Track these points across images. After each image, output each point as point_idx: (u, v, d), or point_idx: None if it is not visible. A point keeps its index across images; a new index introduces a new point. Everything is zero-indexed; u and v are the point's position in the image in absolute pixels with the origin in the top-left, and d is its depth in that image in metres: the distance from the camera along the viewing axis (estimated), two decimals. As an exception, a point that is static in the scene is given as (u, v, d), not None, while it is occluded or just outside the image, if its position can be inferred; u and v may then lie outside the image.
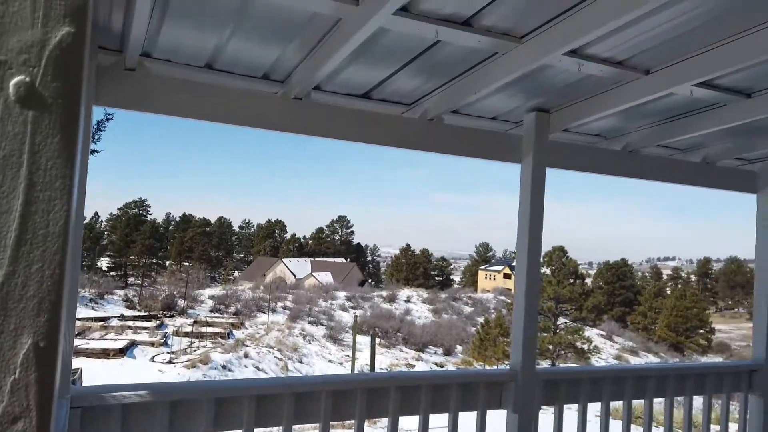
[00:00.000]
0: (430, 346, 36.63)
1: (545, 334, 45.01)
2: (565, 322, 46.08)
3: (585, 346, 43.03)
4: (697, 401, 3.63)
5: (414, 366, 31.59)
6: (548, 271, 47.26)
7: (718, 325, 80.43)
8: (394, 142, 2.94)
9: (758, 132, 3.37)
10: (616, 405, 3.68)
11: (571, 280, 47.90)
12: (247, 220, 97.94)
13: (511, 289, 68.18)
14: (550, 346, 43.10)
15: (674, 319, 62.08)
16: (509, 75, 2.41)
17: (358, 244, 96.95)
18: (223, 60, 2.53)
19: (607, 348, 51.41)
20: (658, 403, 3.50)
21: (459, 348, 38.50)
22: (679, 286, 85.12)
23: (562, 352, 42.12)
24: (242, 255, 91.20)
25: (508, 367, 3.08)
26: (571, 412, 3.35)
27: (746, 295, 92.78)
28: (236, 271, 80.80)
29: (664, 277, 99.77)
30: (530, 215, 3.04)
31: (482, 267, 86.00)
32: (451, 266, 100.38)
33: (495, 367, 32.43)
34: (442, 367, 33.25)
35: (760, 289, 3.83)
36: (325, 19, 2.11)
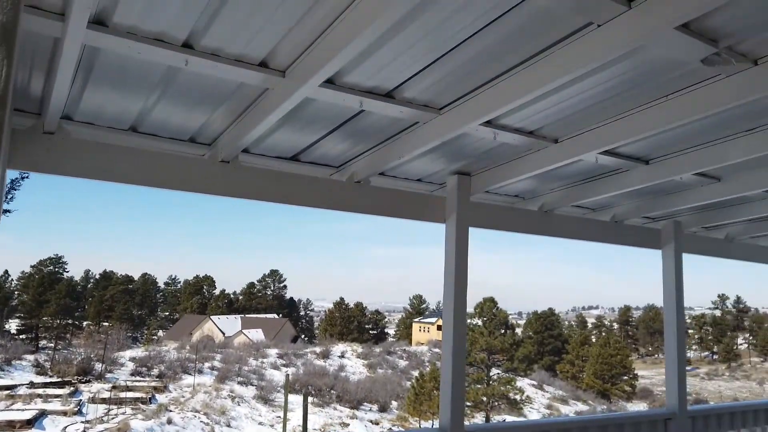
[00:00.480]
0: (365, 403, 35.82)
1: (479, 386, 45.17)
2: (498, 373, 46.48)
3: (517, 397, 43.44)
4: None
5: (348, 425, 30.70)
6: (480, 322, 47.94)
7: (640, 371, 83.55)
8: (323, 203, 2.99)
9: (658, 194, 3.68)
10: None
11: (503, 331, 48.70)
12: (173, 276, 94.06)
13: (444, 341, 68.12)
14: (484, 398, 43.22)
15: (600, 367, 63.90)
16: (430, 142, 2.54)
17: (291, 298, 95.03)
18: (148, 123, 2.53)
19: (538, 397, 52.08)
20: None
21: (394, 404, 37.86)
22: (603, 333, 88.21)
23: (496, 403, 42.28)
24: (167, 313, 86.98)
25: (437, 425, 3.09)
26: (500, 468, 3.38)
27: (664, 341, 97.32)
28: (161, 331, 76.74)
29: (589, 325, 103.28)
30: (455, 274, 3.14)
31: (416, 319, 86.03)
32: (386, 319, 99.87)
33: (429, 423, 32.06)
34: (377, 424, 32.51)
35: (669, 340, 4.08)
36: (252, 88, 2.18)
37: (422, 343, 72.27)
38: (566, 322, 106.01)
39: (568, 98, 2.35)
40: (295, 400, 28.03)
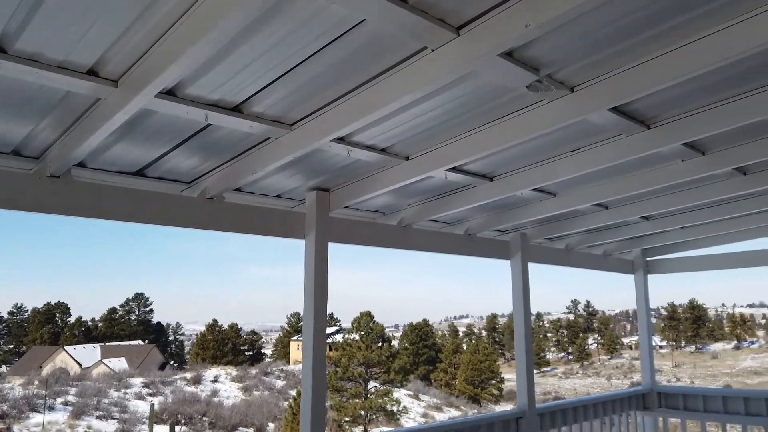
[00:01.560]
0: (241, 428, 34.42)
1: (357, 400, 45.42)
2: (375, 386, 47.12)
3: (394, 408, 44.27)
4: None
5: (222, 452, 29.24)
6: (357, 337, 48.33)
7: (506, 375, 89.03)
8: (171, 220, 2.84)
9: (505, 208, 3.96)
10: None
11: (380, 344, 49.48)
12: (18, 305, 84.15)
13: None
14: (362, 412, 43.52)
15: (471, 373, 67.09)
16: (283, 158, 2.52)
17: (159, 323, 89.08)
18: (-41, 134, 2.24)
19: (414, 407, 53.40)
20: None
21: (271, 426, 36.79)
22: (473, 341, 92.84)
23: (374, 416, 42.72)
24: (12, 346, 77.48)
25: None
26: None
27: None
28: (3, 366, 68.07)
29: (460, 334, 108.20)
30: (315, 290, 3.13)
31: (294, 337, 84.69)
32: (262, 339, 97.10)
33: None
34: (252, 449, 31.32)
35: (518, 344, 4.38)
36: (82, 98, 2.02)
37: (300, 362, 71.12)
38: (440, 332, 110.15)
39: (414, 118, 2.46)
40: (163, 431, 26.19)
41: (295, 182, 3.17)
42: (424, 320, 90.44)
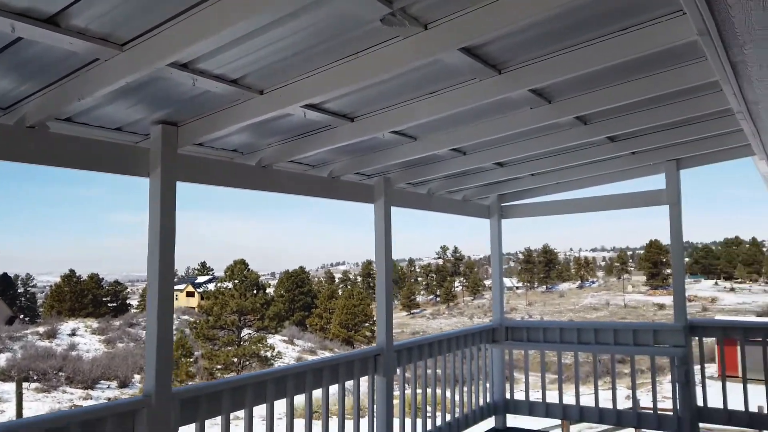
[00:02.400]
0: (102, 381, 32.71)
1: (230, 348, 45.01)
2: (249, 333, 46.93)
3: (268, 354, 44.54)
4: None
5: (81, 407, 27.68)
6: (231, 285, 47.41)
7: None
8: (-17, 151, 2.46)
9: (367, 151, 3.95)
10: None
11: (254, 292, 49.01)
12: None
13: (195, 308, 66.09)
14: (235, 359, 43.29)
15: (345, 317, 69.04)
16: (115, 82, 2.25)
17: (5, 274, 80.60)
18: None
19: (289, 352, 54.10)
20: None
21: (137, 377, 35.36)
22: (348, 287, 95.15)
23: (247, 362, 42.67)
24: None
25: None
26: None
27: (399, 289, 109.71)
28: None
29: (336, 280, 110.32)
30: (161, 232, 2.92)
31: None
32: (127, 290, 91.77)
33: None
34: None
35: (379, 286, 4.48)
36: None
37: (169, 311, 68.53)
38: (316, 279, 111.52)
39: (264, 46, 2.30)
40: (11, 388, 24.14)
41: (138, 114, 2.87)
42: (301, 267, 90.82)
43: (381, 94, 2.98)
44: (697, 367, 5.39)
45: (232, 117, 2.85)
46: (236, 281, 48.12)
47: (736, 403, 5.19)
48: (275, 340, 59.14)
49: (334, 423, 4.03)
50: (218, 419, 3.26)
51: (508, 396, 5.99)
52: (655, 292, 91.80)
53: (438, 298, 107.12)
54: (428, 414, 5.03)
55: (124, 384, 33.43)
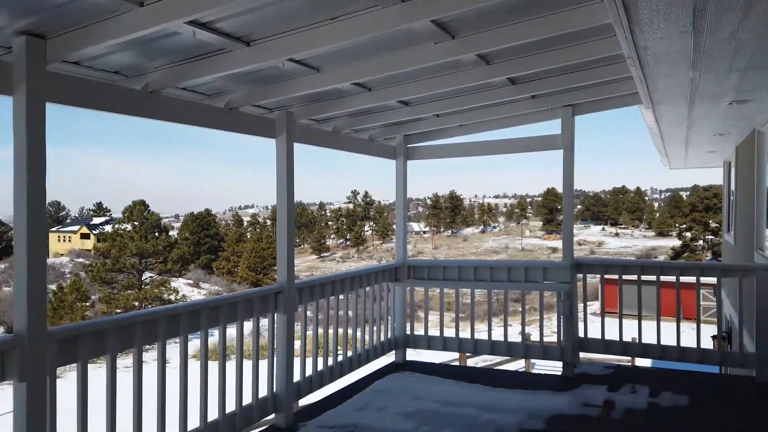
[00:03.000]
0: (-14, 328, 30.54)
1: (129, 291, 43.36)
2: (151, 277, 45.32)
3: (172, 297, 43.41)
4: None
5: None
6: (130, 227, 45.14)
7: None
8: None
9: (266, 81, 3.74)
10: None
11: (156, 234, 47.02)
12: None
13: (90, 250, 62.60)
14: (136, 303, 41.83)
15: (253, 260, 68.30)
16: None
17: None
18: None
19: (194, 295, 53.04)
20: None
21: (26, 323, 33.30)
22: (257, 230, 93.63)
23: (149, 305, 41.32)
24: None
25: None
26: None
27: (309, 233, 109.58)
28: None
29: (245, 223, 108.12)
30: (27, 157, 2.62)
31: (54, 228, 75.76)
32: (11, 231, 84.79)
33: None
34: (3, 349, 28.19)
35: (280, 225, 4.37)
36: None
37: (62, 254, 64.62)
38: (224, 222, 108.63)
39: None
40: None
41: (-3, 22, 2.51)
42: (206, 210, 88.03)
43: (279, 16, 2.80)
44: (580, 306, 5.83)
45: (109, 31, 2.56)
46: (136, 223, 45.87)
47: (612, 335, 5.70)
48: (179, 283, 57.73)
49: (231, 365, 3.97)
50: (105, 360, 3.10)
51: (408, 332, 6.19)
52: (549, 236, 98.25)
53: (348, 242, 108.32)
54: (330, 352, 5.10)
55: (11, 330, 31.35)
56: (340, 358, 5.20)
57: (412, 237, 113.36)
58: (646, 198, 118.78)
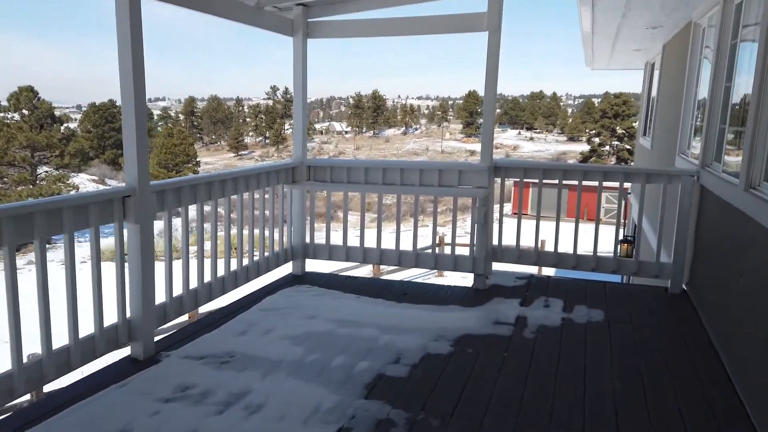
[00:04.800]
0: None
1: (22, 187, 39.79)
2: (47, 171, 41.65)
3: (72, 192, 40.43)
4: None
5: None
6: (17, 116, 40.56)
7: (204, 158, 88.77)
8: None
9: None
10: None
11: (51, 125, 42.71)
12: None
13: (-25, 142, 56.41)
14: (30, 198, 38.52)
15: (164, 156, 64.80)
16: None
17: None
18: None
19: (100, 193, 49.70)
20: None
21: None
22: (169, 125, 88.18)
23: (47, 204, 38.29)
24: None
25: None
26: None
27: (226, 130, 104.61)
28: None
29: (155, 117, 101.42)
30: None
31: (-72, 116, 67.41)
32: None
33: None
34: None
35: (127, 112, 3.34)
36: None
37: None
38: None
39: None
40: None
41: None
42: (111, 101, 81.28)
43: None
44: (497, 213, 5.30)
45: None
46: (25, 112, 41.29)
47: (527, 240, 5.27)
48: (83, 179, 54.22)
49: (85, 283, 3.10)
50: None
51: (308, 240, 5.48)
52: (468, 140, 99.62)
53: (267, 140, 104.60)
54: (208, 266, 4.30)
55: None
56: (221, 272, 4.42)
57: (334, 137, 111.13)
58: (561, 104, 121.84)
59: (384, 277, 14.60)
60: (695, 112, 5.99)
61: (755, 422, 2.90)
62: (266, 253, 4.97)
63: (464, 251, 5.17)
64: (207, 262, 4.21)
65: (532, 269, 5.53)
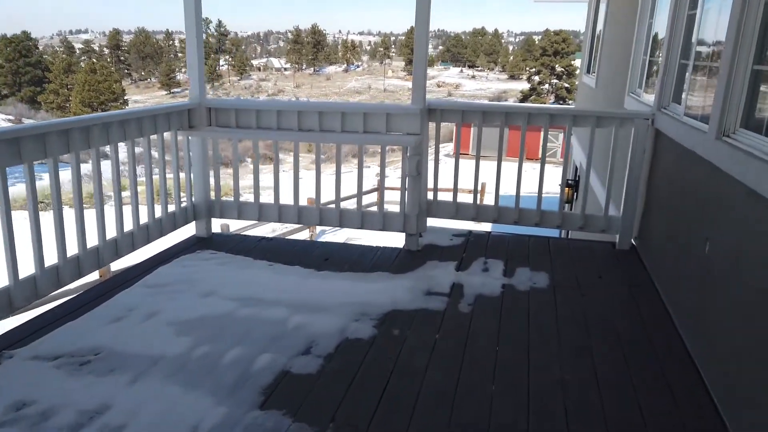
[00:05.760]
0: None
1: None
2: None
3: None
4: None
5: None
6: None
7: (134, 96, 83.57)
8: None
9: None
10: None
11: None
12: None
13: None
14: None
15: (87, 95, 60.60)
16: None
17: None
18: None
19: (16, 135, 46.02)
20: None
21: None
22: (93, 60, 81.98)
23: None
24: None
25: None
26: None
27: (156, 65, 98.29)
28: None
29: (77, 51, 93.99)
30: None
31: None
32: None
33: None
34: None
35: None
36: None
37: None
38: (50, 49, 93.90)
39: None
40: None
41: None
42: (24, 32, 74.44)
43: None
44: (431, 163, 4.64)
45: None
46: None
47: (467, 182, 4.69)
48: (-2, 119, 50.31)
49: None
50: None
51: (213, 197, 4.67)
52: (411, 77, 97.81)
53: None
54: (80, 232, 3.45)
55: None
56: (95, 241, 3.60)
57: (272, 74, 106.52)
58: (503, 41, 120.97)
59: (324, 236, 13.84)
60: (649, 46, 5.42)
61: (724, 416, 2.45)
62: (155, 216, 4.14)
63: (395, 207, 4.51)
64: (71, 229, 3.35)
65: (471, 224, 4.95)
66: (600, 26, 9.38)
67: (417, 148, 4.21)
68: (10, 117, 56.51)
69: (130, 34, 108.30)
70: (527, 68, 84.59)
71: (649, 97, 4.98)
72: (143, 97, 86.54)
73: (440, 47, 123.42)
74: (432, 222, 4.84)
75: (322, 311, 3.35)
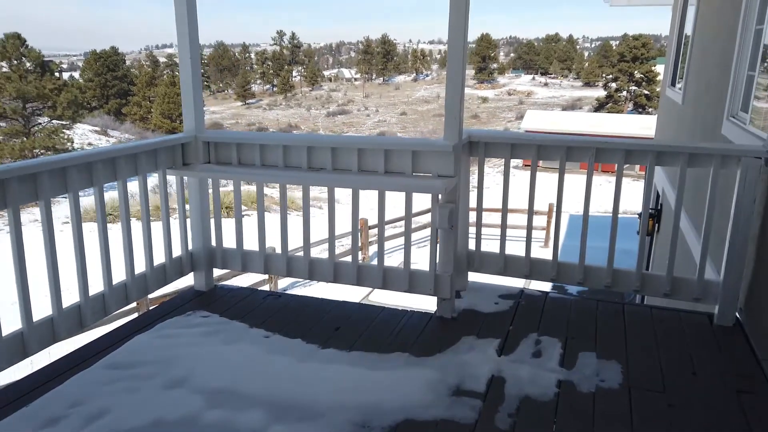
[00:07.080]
0: None
1: (15, 140, 38.40)
2: (44, 122, 40.09)
3: (68, 146, 39.02)
4: None
5: None
6: (5, 66, 38.76)
7: (212, 107, 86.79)
8: None
9: None
10: None
11: (41, 74, 40.88)
12: None
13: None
14: (26, 152, 37.18)
15: (167, 106, 63.24)
16: None
17: None
18: None
19: (102, 143, 48.58)
20: None
21: None
22: (175, 73, 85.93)
23: (41, 154, 37.06)
24: None
25: None
26: None
27: (233, 77, 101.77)
28: None
29: (161, 65, 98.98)
30: None
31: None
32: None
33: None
34: None
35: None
36: None
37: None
38: (137, 63, 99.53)
39: None
40: None
41: None
42: (112, 48, 79.10)
43: None
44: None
45: None
46: (15, 61, 39.50)
47: (515, 248, 3.76)
48: (85, 129, 53.21)
49: None
50: None
51: (214, 244, 3.99)
52: (481, 86, 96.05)
53: (275, 88, 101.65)
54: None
55: None
56: (74, 299, 2.98)
57: (342, 84, 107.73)
58: (578, 47, 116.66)
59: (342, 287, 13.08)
60: (758, 60, 4.29)
61: None
62: (151, 265, 3.48)
63: (425, 262, 3.64)
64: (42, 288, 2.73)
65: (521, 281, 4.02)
66: (688, 31, 8.11)
67: (450, 195, 3.34)
68: (97, 128, 59.81)
69: (210, 47, 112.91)
70: (603, 75, 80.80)
71: (758, 128, 3.87)
72: (221, 108, 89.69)
73: (512, 54, 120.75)
74: (473, 277, 3.95)
75: (311, 419, 2.55)
